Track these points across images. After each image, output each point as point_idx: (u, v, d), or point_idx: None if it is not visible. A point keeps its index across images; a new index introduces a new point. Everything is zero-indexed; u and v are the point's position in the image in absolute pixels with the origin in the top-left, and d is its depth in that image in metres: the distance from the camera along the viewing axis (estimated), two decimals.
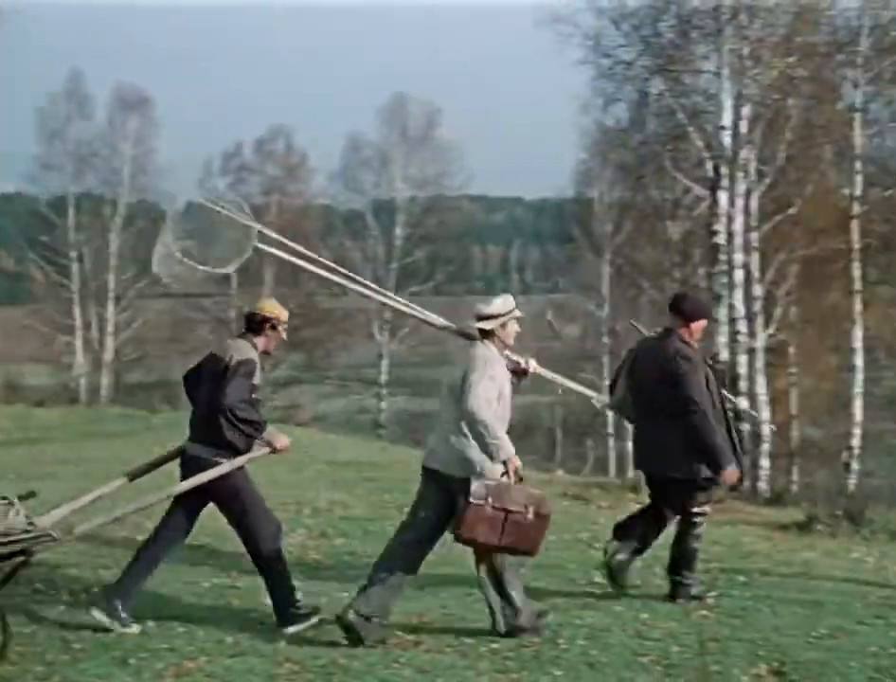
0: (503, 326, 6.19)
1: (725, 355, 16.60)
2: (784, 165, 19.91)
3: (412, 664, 5.68)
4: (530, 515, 5.92)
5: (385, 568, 6.08)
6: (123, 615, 6.09)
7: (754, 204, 19.26)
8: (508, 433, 6.02)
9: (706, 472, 6.71)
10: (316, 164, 39.91)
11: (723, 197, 16.75)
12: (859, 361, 20.00)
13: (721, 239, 16.82)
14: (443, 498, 6.05)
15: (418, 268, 37.16)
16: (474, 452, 5.96)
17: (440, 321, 7.09)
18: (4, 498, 5.79)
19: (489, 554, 6.06)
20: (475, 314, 6.19)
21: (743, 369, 17.28)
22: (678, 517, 6.91)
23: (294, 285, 37.54)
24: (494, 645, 5.99)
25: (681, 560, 6.96)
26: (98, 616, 6.06)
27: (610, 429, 31.94)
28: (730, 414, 7.10)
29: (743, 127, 17.49)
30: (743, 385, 17.27)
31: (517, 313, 6.26)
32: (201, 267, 6.51)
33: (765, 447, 18.90)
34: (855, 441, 19.83)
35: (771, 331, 20.99)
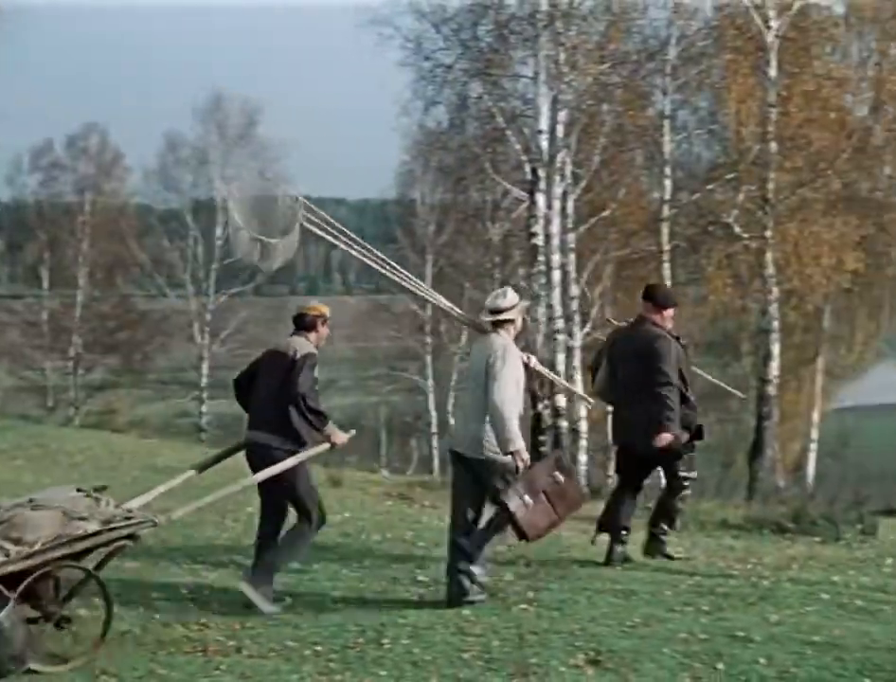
0: (513, 319, 6.84)
1: (543, 354, 16.94)
2: (599, 169, 20.48)
3: (233, 671, 5.62)
4: (561, 478, 6.61)
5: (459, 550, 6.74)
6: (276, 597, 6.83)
7: (570, 206, 19.75)
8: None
9: (684, 438, 7.45)
10: (133, 162, 38.89)
11: (540, 199, 17.11)
12: None
13: (539, 240, 17.18)
14: (469, 479, 6.75)
15: (239, 269, 36.59)
16: (488, 436, 6.57)
17: (458, 312, 7.92)
18: (80, 490, 6.30)
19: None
20: (490, 308, 6.82)
21: (561, 367, 17.68)
22: (664, 482, 7.73)
23: (108, 286, 36.48)
24: (318, 647, 5.97)
25: (664, 516, 7.70)
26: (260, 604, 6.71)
27: (434, 428, 32.22)
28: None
29: (560, 131, 17.89)
30: None
31: (525, 303, 7.00)
32: (274, 241, 7.10)
33: (583, 443, 19.43)
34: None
35: (588, 329, 21.57)
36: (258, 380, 7.08)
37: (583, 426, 19.46)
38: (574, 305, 20.30)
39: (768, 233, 19.86)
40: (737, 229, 20.13)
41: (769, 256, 19.95)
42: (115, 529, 5.95)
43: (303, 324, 7.11)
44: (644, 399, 7.36)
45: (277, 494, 6.98)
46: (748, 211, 20.38)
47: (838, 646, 5.90)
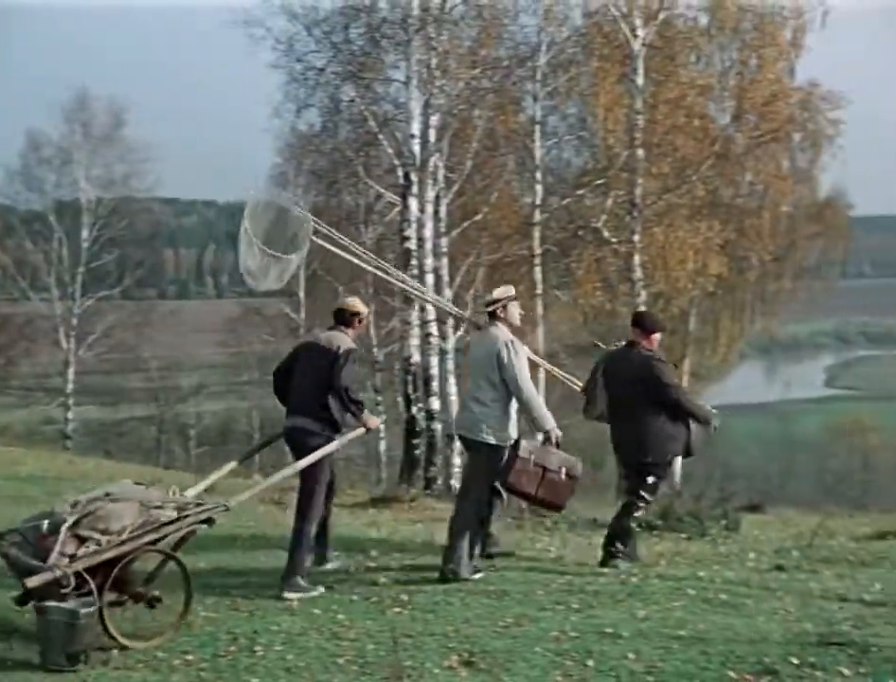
0: (504, 308, 7.63)
1: (416, 357, 16.99)
2: (471, 173, 20.63)
3: None
4: (563, 476, 7.37)
5: (457, 524, 7.53)
6: (304, 583, 7.27)
7: (443, 210, 19.82)
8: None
9: (672, 454, 8.15)
10: None
11: (413, 203, 17.12)
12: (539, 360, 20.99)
13: (412, 244, 17.19)
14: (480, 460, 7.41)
15: (106, 272, 35.71)
16: (488, 420, 7.40)
17: (456, 310, 9.21)
18: (139, 483, 6.83)
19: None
20: (485, 301, 7.77)
21: (434, 371, 17.73)
22: (627, 496, 8.20)
23: None
24: (189, 657, 5.89)
25: (618, 537, 8.12)
26: (289, 595, 7.15)
27: None
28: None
29: (432, 135, 17.93)
30: (435, 385, 17.72)
31: (513, 294, 7.71)
32: (284, 257, 7.76)
33: (457, 445, 19.49)
34: (539, 436, 20.80)
35: (461, 333, 21.69)
36: (297, 371, 7.56)
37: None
38: None
39: (636, 238, 20.30)
40: (606, 234, 20.54)
41: (637, 260, 20.40)
42: (193, 514, 6.48)
43: (342, 319, 7.67)
44: (636, 417, 8.03)
45: (303, 481, 7.46)
46: (617, 216, 20.81)
47: (703, 639, 6.07)
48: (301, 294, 31.52)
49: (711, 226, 20.73)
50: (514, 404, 7.55)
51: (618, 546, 8.14)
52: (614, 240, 20.64)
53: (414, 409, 16.75)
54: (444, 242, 19.89)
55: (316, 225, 8.08)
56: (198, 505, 6.63)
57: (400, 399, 21.00)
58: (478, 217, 21.41)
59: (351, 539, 9.34)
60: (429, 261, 17.53)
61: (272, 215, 8.12)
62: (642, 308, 17.54)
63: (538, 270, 20.91)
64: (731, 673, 5.51)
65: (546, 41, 20.47)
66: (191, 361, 50.04)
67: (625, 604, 6.97)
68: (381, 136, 18.79)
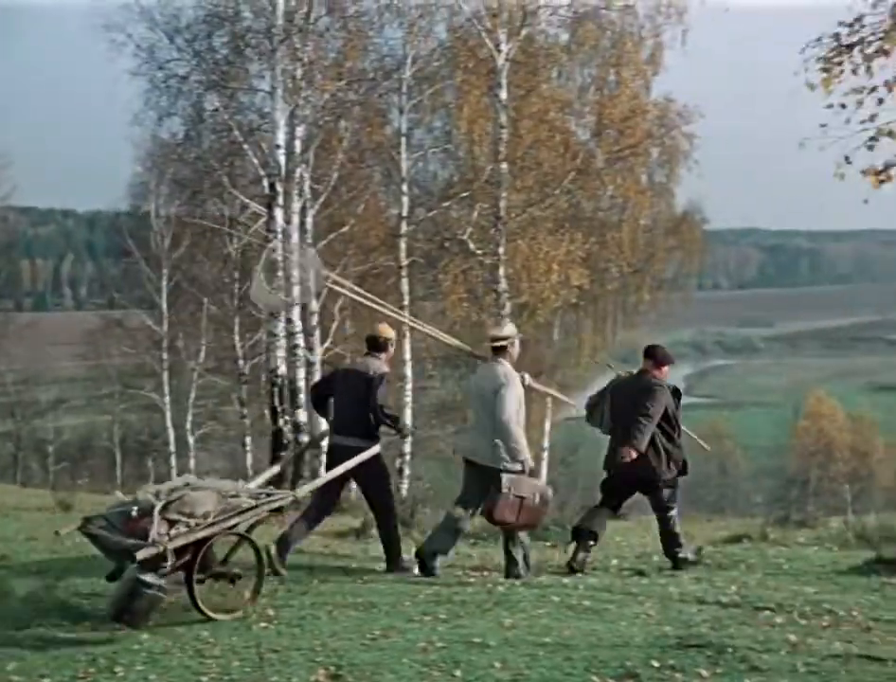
0: (511, 345, 8.39)
1: (283, 369, 16.82)
2: (337, 184, 20.58)
3: None
4: (537, 500, 8.12)
5: (445, 527, 8.41)
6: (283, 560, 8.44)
7: (309, 221, 19.72)
8: None
9: (669, 473, 8.82)
10: None
11: (279, 214, 16.94)
12: (409, 372, 21.10)
13: (278, 255, 17.01)
14: (483, 482, 8.15)
15: None
16: (499, 449, 8.08)
17: (457, 343, 9.89)
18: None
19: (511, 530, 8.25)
20: (491, 336, 8.48)
21: (302, 383, 17.58)
22: (655, 511, 9.04)
23: None
24: (45, 679, 5.74)
25: (672, 542, 8.97)
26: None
27: (172, 447, 31.35)
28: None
29: (298, 146, 17.82)
30: (302, 397, 17.57)
31: (519, 335, 8.56)
32: (286, 298, 9.27)
33: (324, 458, 19.35)
34: (407, 447, 20.88)
35: (328, 344, 21.60)
36: (338, 392, 8.77)
37: (325, 441, 19.43)
38: (314, 320, 20.31)
39: (501, 250, 20.52)
40: (472, 246, 20.73)
41: (502, 271, 20.62)
42: (267, 502, 7.46)
43: (375, 346, 8.70)
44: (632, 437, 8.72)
45: (373, 489, 8.77)
46: (482, 228, 21.01)
47: (568, 646, 6.17)
48: (164, 305, 30.85)
49: (574, 239, 21.11)
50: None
51: (677, 550, 8.98)
52: (479, 252, 20.84)
53: (280, 422, 16.57)
54: None
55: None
56: (268, 495, 7.59)
57: (266, 411, 20.76)
58: (345, 228, 21.38)
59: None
60: (296, 273, 17.37)
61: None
62: (506, 320, 17.75)
63: (405, 281, 20.98)
64: (595, 678, 5.61)
65: (411, 54, 20.57)
66: (49, 374, 48.53)
67: (492, 613, 7.04)
68: (246, 146, 18.59)
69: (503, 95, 20.15)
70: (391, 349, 8.79)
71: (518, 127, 21.04)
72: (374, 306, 9.78)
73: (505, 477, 8.00)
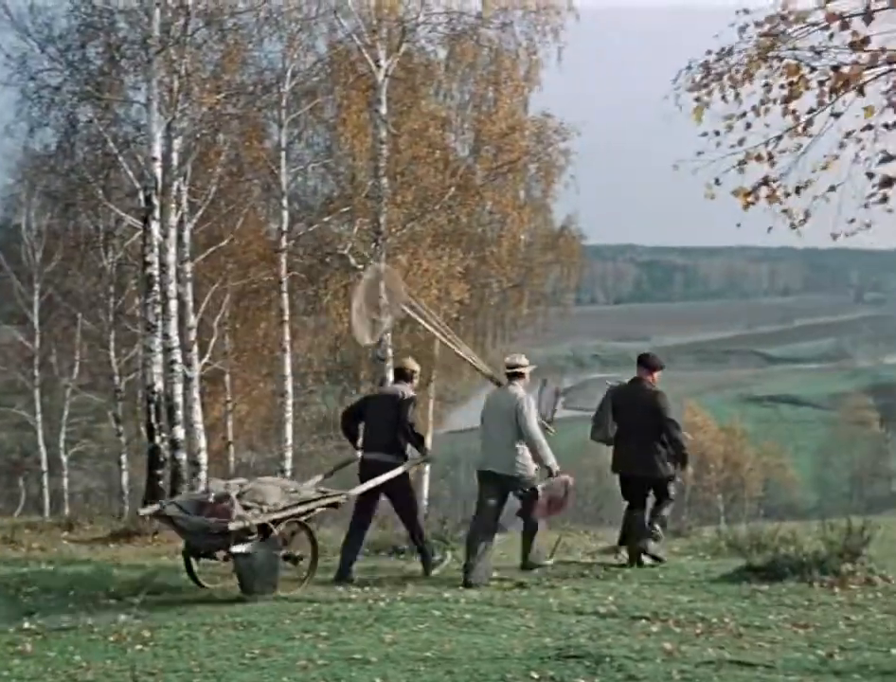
0: (525, 371, 9.65)
1: (160, 385, 16.51)
2: (216, 198, 20.33)
3: None
4: (563, 493, 9.51)
5: (476, 542, 9.17)
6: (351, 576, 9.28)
7: (187, 235, 19.46)
8: None
9: (672, 471, 9.78)
10: None
11: (155, 228, 16.64)
12: (289, 387, 20.95)
13: (154, 269, 16.71)
14: (500, 491, 9.40)
15: None
16: (519, 460, 9.31)
17: (487, 369, 10.86)
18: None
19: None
20: (509, 364, 9.71)
21: (179, 399, 17.30)
22: (655, 499, 9.91)
23: None
24: None
25: (656, 519, 9.78)
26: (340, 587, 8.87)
27: (44, 466, 30.43)
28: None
29: (175, 159, 17.56)
30: (179, 414, 17.29)
31: (533, 366, 9.81)
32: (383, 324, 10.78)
33: (203, 475, 19.10)
34: (288, 464, 20.72)
35: (206, 360, 21.30)
36: (370, 414, 9.88)
37: (203, 458, 19.19)
38: (192, 335, 20.02)
39: (381, 265, 20.54)
40: (352, 260, 20.68)
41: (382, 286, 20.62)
42: (326, 497, 8.98)
43: (402, 376, 10.10)
44: (644, 439, 9.66)
45: (399, 501, 9.73)
46: (363, 243, 21.00)
47: (449, 660, 6.20)
48: (35, 320, 29.97)
49: (453, 254, 21.27)
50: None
51: (656, 526, 9.73)
52: (360, 266, 20.82)
53: (157, 439, 16.26)
54: (189, 267, 19.54)
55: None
56: (324, 492, 9.04)
57: (143, 429, 20.35)
58: (224, 243, 21.14)
59: (91, 576, 9.00)
60: (172, 287, 17.10)
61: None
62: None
63: (285, 296, 20.84)
64: None
65: (291, 68, 20.48)
66: None
67: (373, 629, 7.03)
68: (121, 159, 18.24)
69: (383, 110, 20.19)
70: (416, 380, 10.10)
71: (398, 143, 21.10)
72: (439, 331, 10.81)
73: (541, 485, 9.27)
